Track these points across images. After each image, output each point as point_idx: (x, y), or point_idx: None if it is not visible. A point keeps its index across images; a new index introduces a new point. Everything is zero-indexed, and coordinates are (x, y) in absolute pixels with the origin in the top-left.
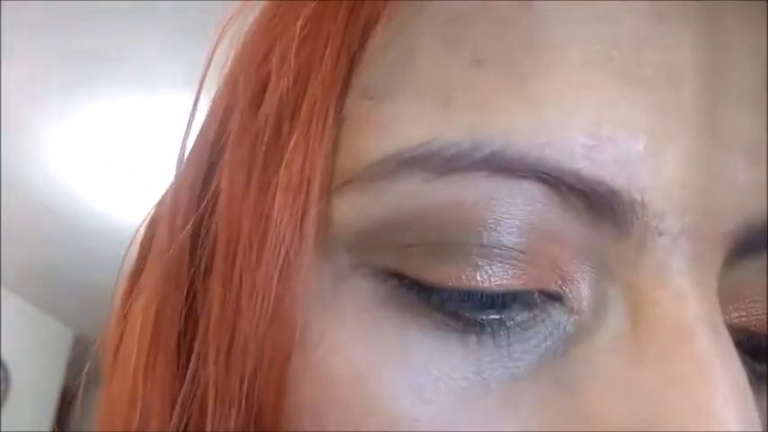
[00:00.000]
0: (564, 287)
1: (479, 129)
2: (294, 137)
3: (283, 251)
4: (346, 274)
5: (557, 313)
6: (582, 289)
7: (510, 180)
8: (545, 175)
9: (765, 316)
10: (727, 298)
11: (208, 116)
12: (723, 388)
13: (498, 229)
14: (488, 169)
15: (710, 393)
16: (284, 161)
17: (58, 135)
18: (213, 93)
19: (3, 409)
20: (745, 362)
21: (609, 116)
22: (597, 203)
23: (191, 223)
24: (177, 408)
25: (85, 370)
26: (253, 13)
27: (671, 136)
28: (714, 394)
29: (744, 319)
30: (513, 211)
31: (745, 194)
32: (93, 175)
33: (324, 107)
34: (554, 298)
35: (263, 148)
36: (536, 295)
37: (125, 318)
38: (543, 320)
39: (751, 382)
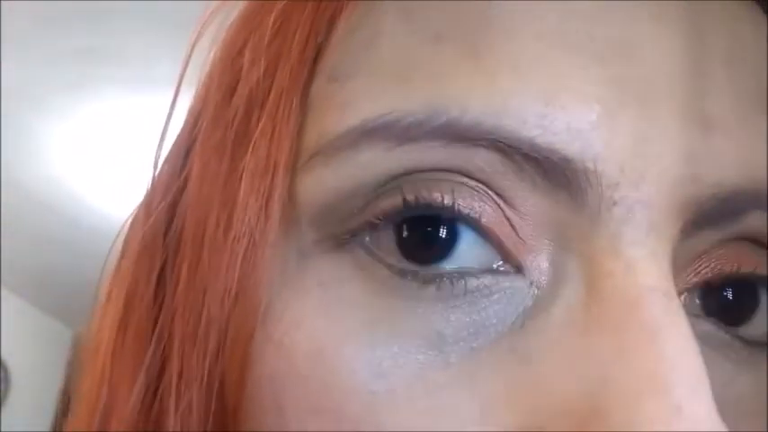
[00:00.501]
0: (525, 260)
1: (436, 99)
2: (261, 122)
3: (248, 231)
4: (310, 250)
5: (517, 285)
6: (542, 262)
7: (466, 149)
8: (500, 143)
9: (726, 266)
10: (683, 266)
11: (188, 112)
12: (669, 356)
13: (455, 195)
14: (445, 138)
15: (655, 361)
16: (251, 145)
17: (58, 135)
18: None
19: (2, 408)
20: (725, 329)
21: (562, 86)
22: (551, 171)
23: (164, 207)
24: (141, 385)
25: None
26: (234, 12)
27: (625, 106)
28: (661, 361)
29: (705, 275)
30: (471, 182)
31: (700, 165)
32: (94, 175)
33: (290, 94)
34: (516, 270)
35: (233, 136)
36: (497, 265)
37: (103, 317)
38: (504, 291)
39: (734, 350)
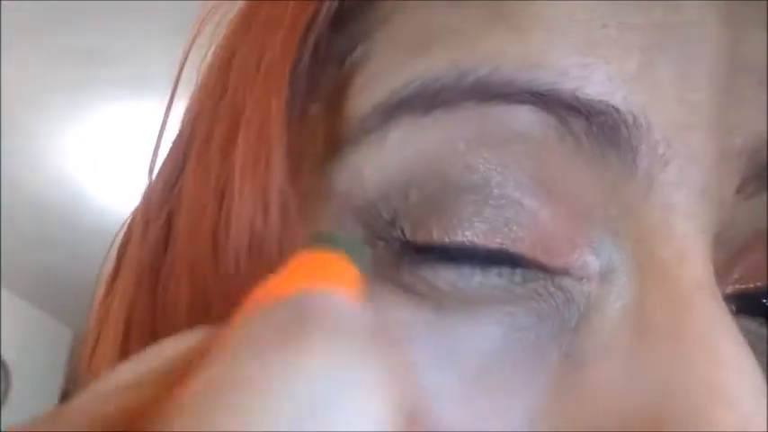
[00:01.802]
0: (568, 260)
1: (463, 60)
2: (246, 113)
3: (247, 224)
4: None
5: (567, 285)
6: (587, 256)
7: (500, 107)
8: (539, 97)
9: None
10: (731, 244)
11: (183, 117)
12: (731, 362)
13: (495, 175)
14: (476, 97)
15: (716, 369)
16: (240, 134)
17: (58, 135)
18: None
19: (2, 408)
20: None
21: (602, 36)
22: (598, 126)
23: (162, 219)
24: None
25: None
26: (232, 11)
27: (668, 54)
28: (721, 370)
29: (747, 283)
30: (508, 147)
31: (754, 114)
32: (94, 175)
33: (278, 83)
34: (562, 272)
35: (224, 131)
36: (539, 272)
37: (102, 319)
38: (551, 293)
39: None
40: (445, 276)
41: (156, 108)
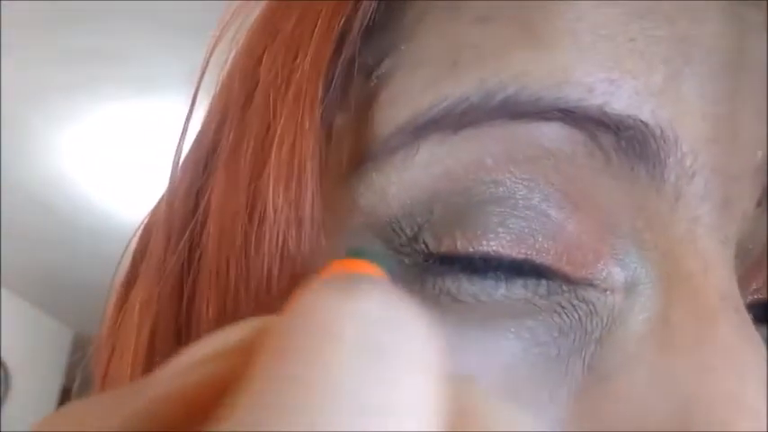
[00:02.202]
0: (593, 270)
1: (489, 79)
2: (281, 124)
3: (281, 239)
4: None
5: (590, 296)
6: (612, 267)
7: (528, 125)
8: (567, 113)
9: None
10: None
11: (204, 121)
12: (752, 375)
13: (522, 190)
14: (504, 116)
15: (740, 381)
16: (273, 148)
17: (58, 135)
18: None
19: (3, 408)
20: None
21: (626, 51)
22: (627, 140)
23: (187, 231)
24: None
25: (85, 370)
26: (253, 14)
27: (692, 66)
28: (745, 382)
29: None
30: (537, 163)
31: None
32: (94, 175)
33: (309, 92)
34: (586, 282)
35: (252, 143)
36: (563, 284)
37: (119, 327)
38: (576, 308)
39: None
40: (468, 288)
41: (157, 108)
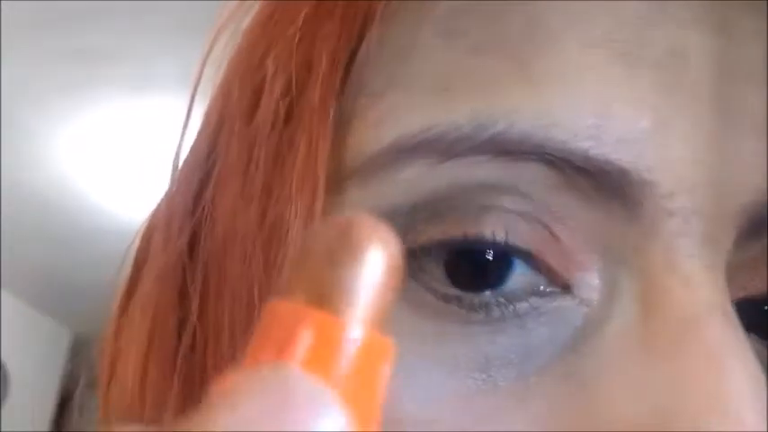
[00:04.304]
0: (574, 275)
1: (481, 111)
2: (297, 138)
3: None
4: None
5: (566, 305)
6: (592, 279)
7: (514, 163)
8: (550, 157)
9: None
10: (731, 278)
11: (202, 125)
12: (736, 381)
13: (503, 215)
14: (491, 152)
15: (723, 387)
16: (290, 164)
17: (58, 135)
18: (209, 96)
19: (2, 409)
20: (753, 342)
21: (614, 96)
22: (605, 184)
23: (186, 234)
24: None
25: (84, 371)
26: (249, 14)
27: (678, 113)
28: (727, 388)
29: (752, 290)
30: (518, 193)
31: (755, 171)
32: (94, 176)
33: (324, 108)
34: (564, 288)
35: (263, 154)
36: (544, 287)
37: (122, 330)
38: (552, 312)
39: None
40: (448, 289)
41: (157, 108)
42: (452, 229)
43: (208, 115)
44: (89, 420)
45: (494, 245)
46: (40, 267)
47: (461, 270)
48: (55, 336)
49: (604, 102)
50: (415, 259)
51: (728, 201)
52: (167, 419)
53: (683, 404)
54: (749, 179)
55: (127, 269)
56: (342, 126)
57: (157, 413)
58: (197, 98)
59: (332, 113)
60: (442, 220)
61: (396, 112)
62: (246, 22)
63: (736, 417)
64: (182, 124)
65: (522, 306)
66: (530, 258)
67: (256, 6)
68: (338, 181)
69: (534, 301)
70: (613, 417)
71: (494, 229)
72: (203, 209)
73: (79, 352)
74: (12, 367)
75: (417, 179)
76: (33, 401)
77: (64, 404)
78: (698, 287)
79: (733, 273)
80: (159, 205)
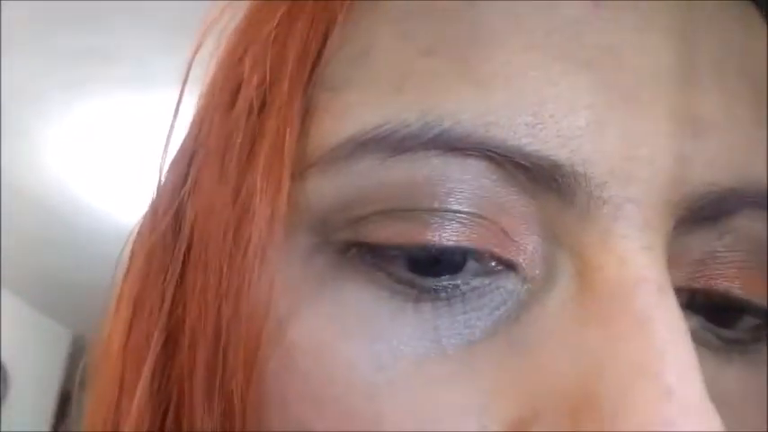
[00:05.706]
0: (517, 256)
1: (429, 111)
2: (267, 128)
3: (258, 237)
4: (311, 254)
5: (510, 282)
6: (534, 257)
7: (458, 158)
8: (491, 153)
9: (735, 279)
10: (687, 262)
11: (190, 123)
12: (659, 342)
13: (449, 199)
14: (438, 148)
15: (646, 347)
16: (259, 152)
17: (58, 135)
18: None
19: (2, 409)
20: (708, 329)
21: (551, 95)
22: (540, 177)
23: (170, 216)
24: (146, 385)
25: (83, 371)
26: (238, 15)
27: (613, 111)
28: (649, 348)
29: (710, 282)
30: (462, 185)
31: (690, 166)
32: (93, 176)
33: (292, 101)
34: (508, 267)
35: (239, 142)
36: (490, 262)
37: (111, 326)
38: (497, 288)
39: (715, 348)
40: (405, 273)
41: (156, 108)
42: (408, 232)
43: (196, 113)
44: None
45: (445, 248)
46: (41, 268)
47: (421, 262)
48: (55, 336)
49: (542, 101)
50: (374, 252)
51: (665, 191)
52: (146, 377)
53: (610, 368)
54: (683, 173)
55: (123, 269)
56: (308, 118)
57: (137, 375)
58: (193, 98)
59: (299, 105)
60: (395, 220)
61: (354, 109)
62: (235, 22)
63: (658, 380)
64: (169, 123)
65: (471, 283)
66: (477, 252)
67: (243, 8)
68: (302, 168)
69: (482, 280)
70: (550, 379)
71: (443, 234)
72: (187, 193)
73: (79, 352)
74: (12, 367)
75: (370, 171)
76: (33, 401)
77: (64, 404)
78: (632, 264)
79: (686, 258)
80: (150, 204)
